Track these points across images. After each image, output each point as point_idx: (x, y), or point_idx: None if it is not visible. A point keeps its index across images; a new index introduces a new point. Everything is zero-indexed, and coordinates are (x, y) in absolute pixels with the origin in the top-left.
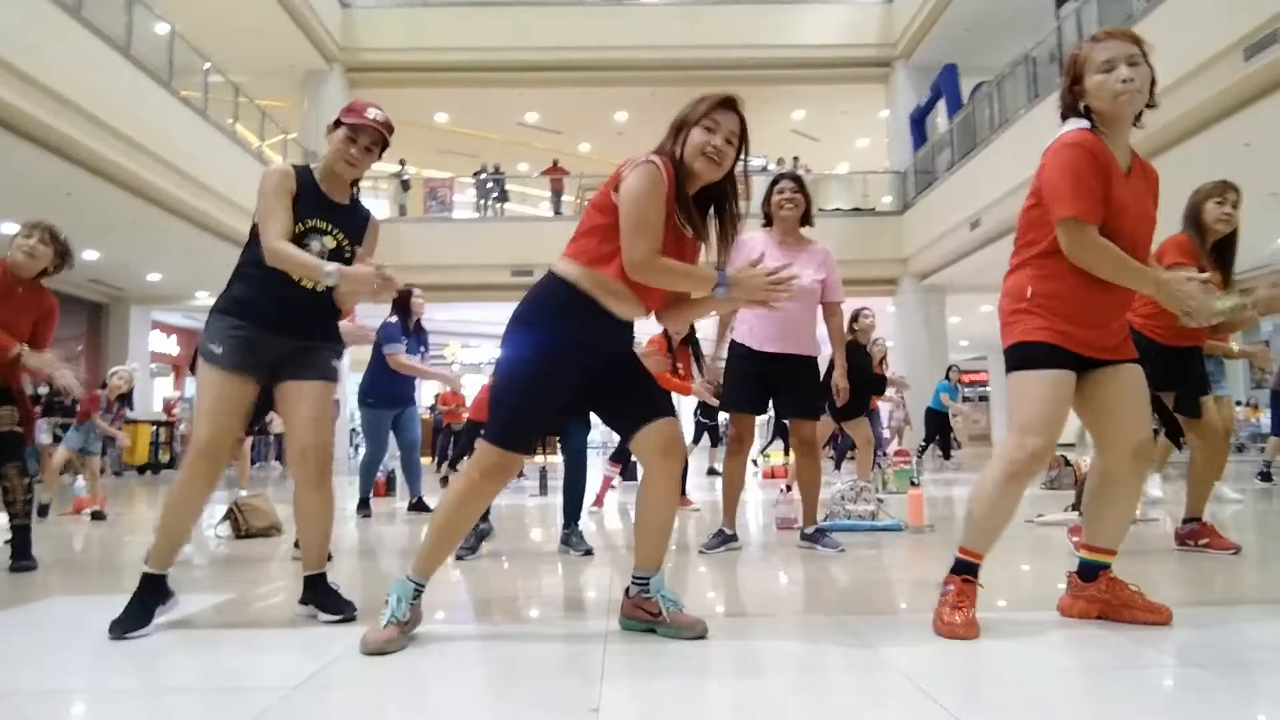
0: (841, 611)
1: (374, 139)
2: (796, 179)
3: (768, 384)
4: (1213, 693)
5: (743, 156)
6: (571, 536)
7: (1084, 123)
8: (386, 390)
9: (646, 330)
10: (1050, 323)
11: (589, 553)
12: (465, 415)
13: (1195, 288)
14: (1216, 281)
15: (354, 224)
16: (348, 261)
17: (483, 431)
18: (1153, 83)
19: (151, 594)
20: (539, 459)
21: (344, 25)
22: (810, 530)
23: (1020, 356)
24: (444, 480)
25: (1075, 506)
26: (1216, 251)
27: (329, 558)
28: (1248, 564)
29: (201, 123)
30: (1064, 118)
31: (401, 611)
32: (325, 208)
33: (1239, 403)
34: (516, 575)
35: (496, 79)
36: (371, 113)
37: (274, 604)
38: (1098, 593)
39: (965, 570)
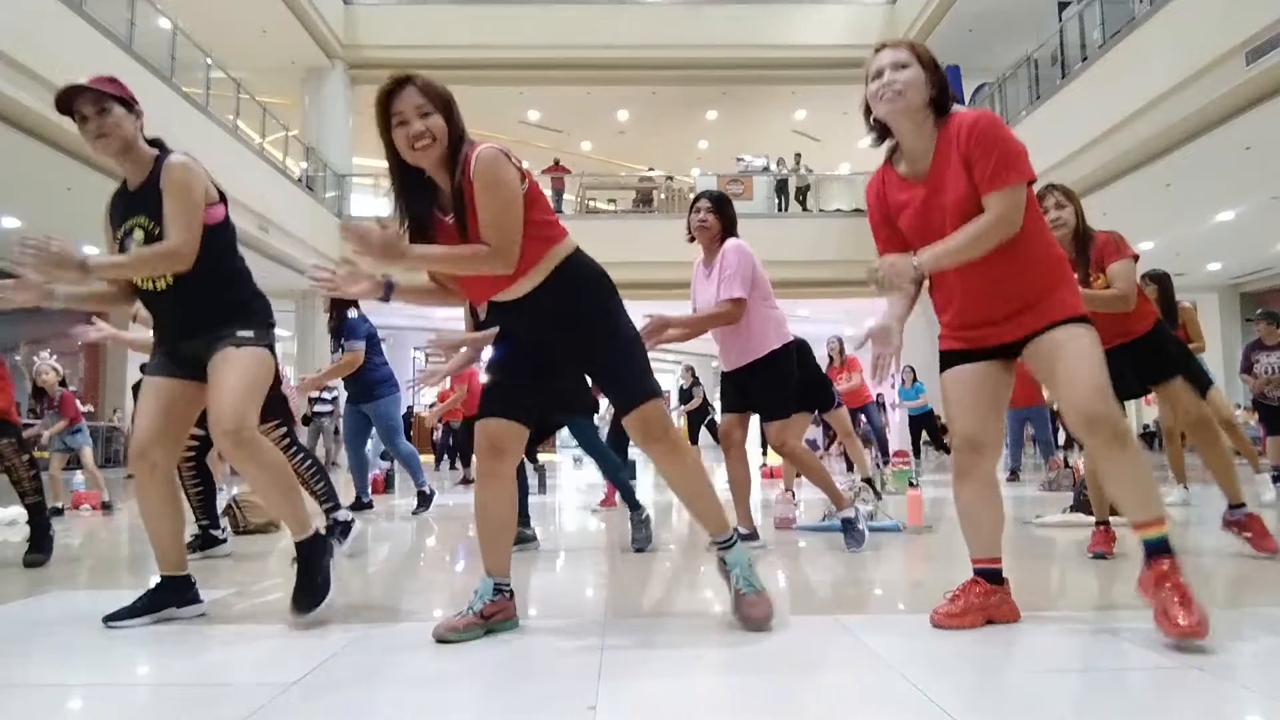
0: (840, 611)
1: (87, 102)
2: (713, 198)
3: (741, 390)
4: (1211, 693)
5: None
6: (633, 520)
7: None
8: (350, 385)
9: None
10: (944, 330)
11: (641, 549)
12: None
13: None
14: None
15: (155, 194)
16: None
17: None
18: (941, 86)
19: (163, 593)
20: (540, 457)
21: (346, 22)
22: (840, 519)
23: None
24: (465, 481)
25: (1074, 508)
26: (1080, 250)
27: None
28: (1249, 567)
29: (203, 119)
30: (877, 142)
31: (478, 605)
32: (128, 202)
33: (1238, 406)
34: (515, 573)
35: (498, 77)
36: (82, 79)
37: (271, 600)
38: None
39: (978, 574)
